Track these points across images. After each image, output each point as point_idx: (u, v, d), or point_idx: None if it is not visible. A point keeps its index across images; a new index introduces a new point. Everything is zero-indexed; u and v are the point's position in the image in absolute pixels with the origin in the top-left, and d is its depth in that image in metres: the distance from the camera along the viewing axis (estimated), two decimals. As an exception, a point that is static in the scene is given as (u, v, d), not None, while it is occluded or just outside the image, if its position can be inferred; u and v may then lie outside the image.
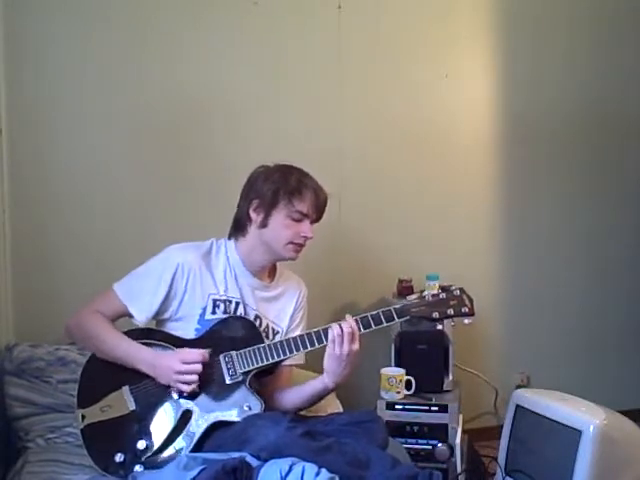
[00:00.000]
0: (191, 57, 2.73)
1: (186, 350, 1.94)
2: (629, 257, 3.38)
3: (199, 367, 1.90)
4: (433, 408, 2.59)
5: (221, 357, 1.96)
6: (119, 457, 1.87)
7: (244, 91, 2.79)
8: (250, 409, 1.90)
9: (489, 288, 3.15)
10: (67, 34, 2.59)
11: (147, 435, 1.90)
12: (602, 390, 2.91)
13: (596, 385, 3.06)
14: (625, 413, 2.34)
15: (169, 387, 1.93)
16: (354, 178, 2.94)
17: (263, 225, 2.04)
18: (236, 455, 1.71)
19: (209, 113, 2.75)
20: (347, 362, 1.92)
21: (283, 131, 2.83)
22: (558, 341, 3.27)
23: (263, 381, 2.02)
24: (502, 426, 2.52)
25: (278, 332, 2.12)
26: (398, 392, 2.60)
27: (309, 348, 1.96)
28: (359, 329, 1.94)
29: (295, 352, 1.96)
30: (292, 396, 2.06)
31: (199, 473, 1.64)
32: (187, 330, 2.01)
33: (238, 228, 2.11)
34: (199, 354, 1.92)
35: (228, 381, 1.94)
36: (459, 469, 2.55)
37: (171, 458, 1.83)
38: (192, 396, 1.92)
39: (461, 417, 2.71)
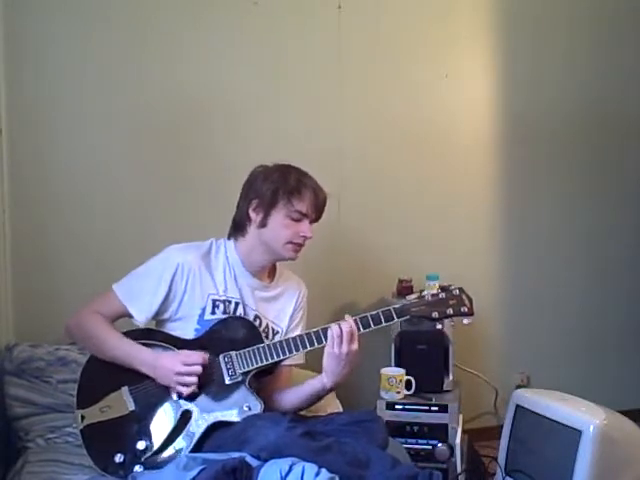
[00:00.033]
0: (191, 57, 2.73)
1: (186, 352, 1.94)
2: (629, 257, 3.38)
3: (199, 369, 1.90)
4: (433, 408, 2.59)
5: (220, 357, 1.96)
6: (119, 457, 1.87)
7: (244, 91, 2.80)
8: (250, 409, 1.90)
9: (489, 288, 3.15)
10: (67, 34, 2.59)
11: (147, 435, 1.90)
12: (602, 390, 2.91)
13: (596, 385, 3.06)
14: (625, 413, 2.34)
15: (169, 388, 1.93)
16: (354, 178, 2.94)
17: (262, 225, 2.04)
18: (236, 455, 1.71)
19: (209, 113, 2.75)
20: (346, 362, 1.92)
21: (283, 131, 2.83)
22: (558, 341, 3.27)
23: (263, 381, 2.02)
24: (502, 426, 2.52)
25: (278, 332, 2.12)
26: (398, 392, 2.60)
27: (308, 348, 1.96)
28: (358, 329, 1.94)
29: (294, 352, 1.96)
30: (291, 396, 2.06)
31: (199, 473, 1.64)
32: (186, 330, 2.01)
33: (237, 228, 2.11)
34: (199, 356, 1.92)
35: (228, 381, 1.94)
36: (459, 469, 2.55)
37: (171, 458, 1.84)
38: (192, 396, 1.92)
39: (461, 417, 2.71)
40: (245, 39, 2.79)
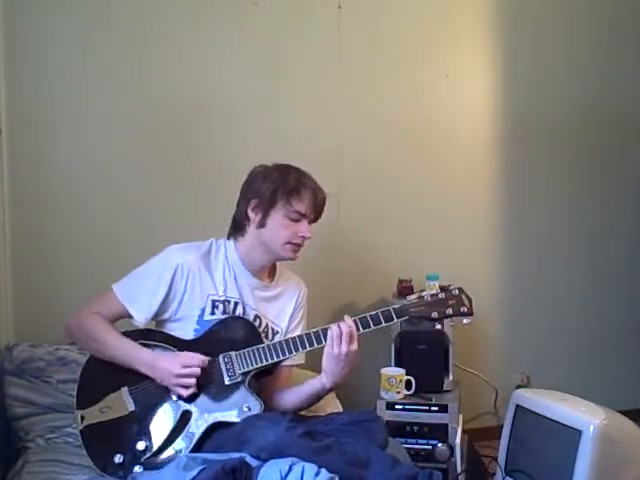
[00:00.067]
0: (191, 57, 2.73)
1: (185, 354, 1.94)
2: (629, 257, 3.38)
3: (197, 371, 1.90)
4: (433, 408, 2.59)
5: (220, 358, 1.96)
6: (118, 458, 1.87)
7: (244, 91, 2.80)
8: (249, 410, 1.90)
9: (489, 288, 3.15)
10: (67, 34, 2.59)
11: (146, 436, 1.90)
12: (602, 390, 2.91)
13: (596, 385, 3.06)
14: (625, 413, 2.34)
15: (169, 388, 1.93)
16: (354, 178, 2.94)
17: (261, 225, 2.04)
18: (236, 455, 1.71)
19: (209, 113, 2.75)
20: (346, 362, 1.92)
21: (283, 131, 2.83)
22: (558, 341, 3.27)
23: (262, 382, 2.02)
24: (502, 426, 2.52)
25: (278, 332, 2.12)
26: (398, 392, 2.60)
27: (308, 348, 1.96)
28: (358, 329, 1.94)
29: (294, 352, 1.96)
30: (291, 396, 2.06)
31: (199, 473, 1.64)
32: (186, 331, 2.01)
33: (237, 227, 2.11)
34: (198, 359, 1.92)
35: (227, 382, 1.94)
36: (459, 469, 2.55)
37: (170, 459, 1.83)
38: (191, 397, 1.92)
39: (461, 417, 2.71)
40: (245, 39, 2.79)
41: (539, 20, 3.17)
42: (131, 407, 1.93)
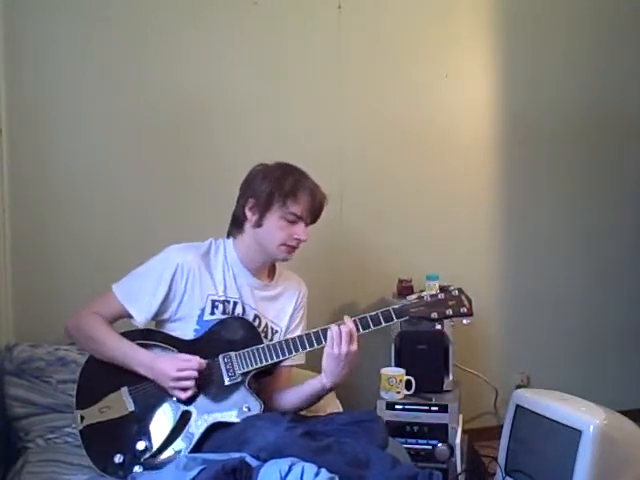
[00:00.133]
0: (191, 57, 2.73)
1: (184, 356, 1.94)
2: (629, 257, 3.38)
3: (195, 374, 1.90)
4: (433, 408, 2.59)
5: (220, 358, 1.95)
6: (118, 458, 1.87)
7: (244, 91, 2.80)
8: (249, 410, 1.90)
9: (489, 288, 3.15)
10: (67, 34, 2.59)
11: (146, 436, 1.90)
12: (602, 390, 2.91)
13: (596, 385, 3.06)
14: (625, 413, 2.34)
15: (168, 388, 1.94)
16: (354, 178, 2.94)
17: (258, 225, 2.04)
18: (236, 455, 1.71)
19: (209, 113, 2.75)
20: (345, 362, 1.92)
21: (283, 131, 2.83)
22: (558, 341, 3.27)
23: (262, 382, 2.02)
24: (502, 426, 2.52)
25: (277, 332, 2.12)
26: (398, 392, 2.60)
27: (308, 349, 1.96)
28: (358, 330, 1.94)
29: (294, 353, 1.96)
30: (291, 396, 2.06)
31: (199, 473, 1.64)
32: (186, 331, 2.01)
33: (235, 225, 2.11)
34: (196, 362, 1.91)
35: (227, 382, 1.94)
36: (459, 469, 2.55)
37: (170, 460, 1.83)
38: (191, 398, 1.91)
39: (461, 417, 2.71)
40: (245, 39, 2.79)
41: (539, 20, 3.17)
42: (131, 407, 1.93)
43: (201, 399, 1.92)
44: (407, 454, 2.11)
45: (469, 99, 3.10)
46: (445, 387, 2.70)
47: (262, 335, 2.04)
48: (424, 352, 2.69)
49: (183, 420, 1.90)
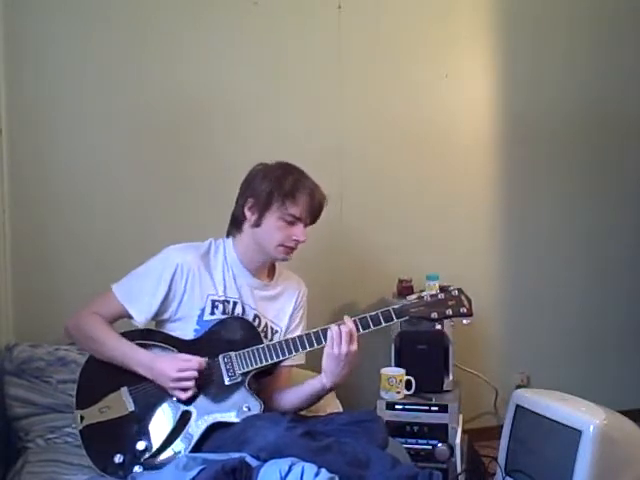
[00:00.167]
0: (191, 57, 2.73)
1: (183, 356, 1.94)
2: (629, 257, 3.38)
3: (195, 374, 1.90)
4: (433, 408, 2.59)
5: (220, 358, 1.95)
6: (118, 458, 1.87)
7: (244, 91, 2.80)
8: (249, 410, 1.90)
9: (489, 288, 3.15)
10: (67, 34, 2.59)
11: (146, 436, 1.90)
12: (602, 390, 2.91)
13: (596, 385, 3.06)
14: (625, 413, 2.34)
15: (168, 389, 1.94)
16: (354, 178, 2.94)
17: (256, 225, 2.04)
18: (236, 455, 1.71)
19: (209, 113, 2.75)
20: (345, 362, 1.92)
21: (283, 131, 2.83)
22: (558, 341, 3.27)
23: (262, 382, 2.02)
24: (502, 426, 2.52)
25: (277, 331, 2.12)
26: (398, 392, 2.60)
27: (308, 349, 1.96)
28: (358, 330, 1.94)
29: (294, 353, 1.96)
30: (291, 396, 2.06)
31: (199, 473, 1.64)
32: (186, 331, 2.01)
33: (235, 225, 2.11)
34: (195, 362, 1.91)
35: (227, 382, 1.94)
36: (459, 469, 2.55)
37: (169, 460, 1.83)
38: (191, 398, 1.91)
39: (461, 417, 2.71)
40: (245, 39, 2.79)
41: (539, 20, 3.17)
42: (131, 407, 1.93)
43: (201, 399, 1.92)
44: (407, 454, 2.11)
45: (469, 99, 3.10)
46: (445, 387, 2.70)
47: (262, 335, 2.03)
48: (424, 352, 2.69)
49: (183, 420, 1.90)
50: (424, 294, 2.01)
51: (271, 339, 2.08)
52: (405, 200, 3.04)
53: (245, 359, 1.95)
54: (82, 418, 1.93)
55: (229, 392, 1.93)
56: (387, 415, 2.55)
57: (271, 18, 2.81)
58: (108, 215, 2.66)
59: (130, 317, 2.02)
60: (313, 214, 2.06)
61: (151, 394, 1.93)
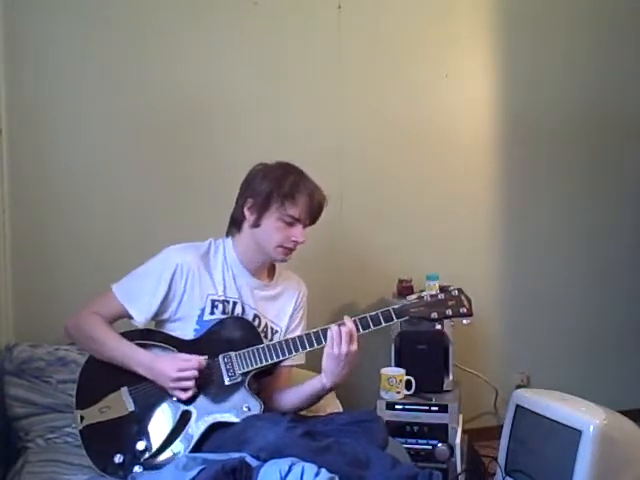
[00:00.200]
0: (191, 57, 2.73)
1: (183, 356, 1.94)
2: (629, 257, 3.38)
3: (195, 374, 1.90)
4: (433, 408, 2.59)
5: (220, 358, 1.95)
6: (118, 458, 1.87)
7: (244, 91, 2.80)
8: (249, 410, 1.90)
9: (489, 288, 3.15)
10: (67, 34, 2.59)
11: (146, 436, 1.89)
12: (602, 390, 2.91)
13: (596, 385, 3.06)
14: (625, 413, 2.34)
15: (168, 389, 1.94)
16: (354, 178, 2.94)
17: (255, 225, 2.04)
18: (236, 455, 1.71)
19: (209, 113, 2.75)
20: (345, 362, 1.92)
21: (283, 131, 2.83)
22: (558, 341, 3.27)
23: (262, 382, 2.03)
24: (502, 426, 2.52)
25: (277, 331, 2.12)
26: (398, 392, 2.60)
27: (308, 349, 1.96)
28: (358, 330, 1.94)
29: (294, 353, 1.96)
30: (291, 396, 2.06)
31: (198, 473, 1.64)
32: (186, 331, 2.01)
33: (234, 225, 2.11)
34: (195, 361, 1.91)
35: (227, 382, 1.94)
36: (459, 469, 2.55)
37: (169, 461, 1.83)
38: (191, 398, 1.91)
39: (461, 417, 2.71)
40: (245, 39, 2.79)
41: (539, 20, 3.17)
42: (131, 407, 1.93)
43: (201, 399, 1.92)
44: (407, 454, 2.11)
45: (469, 99, 3.10)
46: (445, 387, 2.70)
47: (262, 335, 2.03)
48: (424, 352, 2.69)
49: (183, 420, 1.90)
50: (424, 294, 2.01)
51: (271, 339, 2.08)
52: (405, 200, 3.04)
53: (245, 359, 1.95)
54: (82, 418, 1.93)
55: (229, 392, 1.93)
56: (387, 415, 2.55)
57: (271, 18, 2.81)
58: (108, 215, 2.66)
59: (130, 317, 2.02)
60: (312, 215, 2.05)
61: (151, 394, 1.93)
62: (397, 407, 2.60)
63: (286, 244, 2.03)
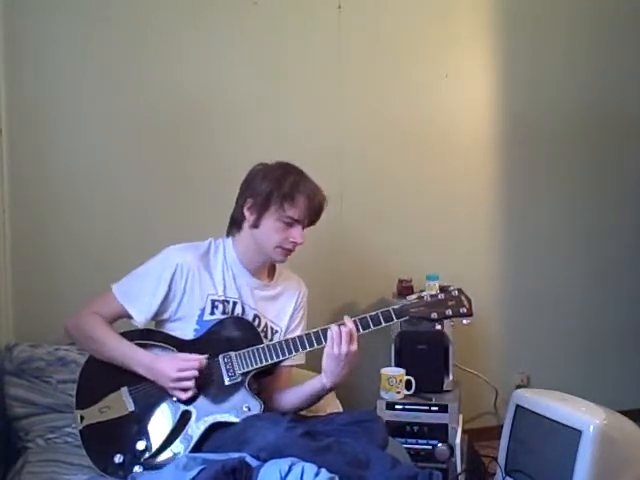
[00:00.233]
0: (191, 57, 2.73)
1: (184, 356, 1.94)
2: (629, 257, 3.38)
3: (195, 374, 1.90)
4: (433, 408, 2.59)
5: (220, 358, 1.95)
6: (118, 458, 1.87)
7: (244, 91, 2.80)
8: (249, 410, 1.90)
9: (489, 288, 3.15)
10: (67, 34, 2.59)
11: (146, 436, 1.89)
12: (602, 390, 2.91)
13: (596, 385, 3.06)
14: (625, 413, 2.34)
15: (168, 388, 1.94)
16: (354, 178, 2.94)
17: (255, 225, 2.03)
18: (236, 455, 1.71)
19: (209, 113, 2.75)
20: (345, 362, 1.92)
21: (283, 131, 2.83)
22: (558, 341, 3.27)
23: (262, 382, 2.02)
24: (502, 426, 2.52)
25: (277, 331, 2.12)
26: (398, 392, 2.60)
27: (308, 349, 1.96)
28: (358, 330, 1.94)
29: (294, 353, 1.96)
30: (291, 396, 2.06)
31: (199, 473, 1.64)
32: (186, 331, 2.01)
33: (234, 224, 2.11)
34: (196, 361, 1.91)
35: (227, 382, 1.94)
36: (459, 469, 2.55)
37: (169, 461, 1.83)
38: (191, 398, 1.91)
39: (461, 417, 2.71)
40: (245, 39, 2.79)
41: (539, 20, 3.17)
42: (131, 407, 1.93)
43: (201, 399, 1.92)
44: (407, 454, 2.11)
45: (469, 99, 3.11)
46: (445, 387, 2.70)
47: (262, 335, 2.03)
48: (424, 352, 2.69)
49: (183, 420, 1.90)
50: (424, 294, 2.01)
51: (271, 339, 2.08)
52: (405, 200, 3.04)
53: (245, 359, 1.95)
54: (82, 418, 1.93)
55: (229, 392, 1.93)
56: (387, 415, 2.55)
57: (271, 18, 2.81)
58: (108, 215, 2.66)
59: (130, 317, 2.02)
60: (312, 216, 2.05)
61: (151, 394, 1.93)
62: (397, 407, 2.60)
63: (285, 245, 2.03)
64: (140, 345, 1.97)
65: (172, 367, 1.90)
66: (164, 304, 2.01)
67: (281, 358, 1.96)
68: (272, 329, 2.11)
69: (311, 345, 1.96)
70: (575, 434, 2.18)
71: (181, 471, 1.68)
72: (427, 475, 1.70)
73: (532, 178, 3.23)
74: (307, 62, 2.88)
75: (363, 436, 1.84)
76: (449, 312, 1.98)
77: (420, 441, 2.58)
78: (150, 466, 1.84)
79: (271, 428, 1.73)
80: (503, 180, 3.18)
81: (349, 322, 1.93)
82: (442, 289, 2.07)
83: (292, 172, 2.05)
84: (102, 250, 2.63)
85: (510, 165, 3.18)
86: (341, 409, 2.34)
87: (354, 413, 2.01)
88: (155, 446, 1.88)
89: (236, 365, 1.95)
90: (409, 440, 2.56)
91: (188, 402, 1.91)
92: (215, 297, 2.04)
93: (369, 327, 1.95)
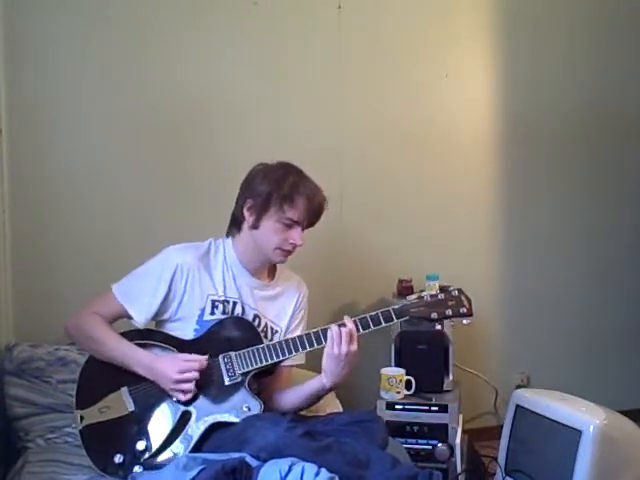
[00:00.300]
0: (191, 57, 2.74)
1: (184, 356, 1.94)
2: (629, 257, 3.38)
3: (196, 375, 1.90)
4: (433, 408, 2.59)
5: (220, 358, 1.95)
6: (118, 458, 1.87)
7: (244, 91, 2.80)
8: (249, 410, 1.90)
9: (489, 288, 3.15)
10: (67, 34, 2.59)
11: (146, 436, 1.89)
12: (602, 390, 2.91)
13: (596, 385, 3.06)
14: (625, 413, 2.34)
15: (168, 388, 1.94)
16: (354, 178, 2.94)
17: (254, 227, 2.03)
18: (236, 455, 1.71)
19: (209, 113, 2.75)
20: (345, 362, 1.92)
21: (283, 131, 2.83)
22: (558, 341, 3.27)
23: (262, 382, 2.03)
24: (502, 426, 2.52)
25: (277, 331, 2.12)
26: (398, 392, 2.60)
27: (308, 349, 1.96)
28: (358, 330, 1.94)
29: (294, 353, 1.96)
30: (291, 396, 2.06)
31: (199, 473, 1.64)
32: (186, 331, 2.01)
33: (234, 225, 2.11)
34: (196, 362, 1.91)
35: (227, 382, 1.94)
36: (459, 469, 2.55)
37: (169, 461, 1.83)
38: (191, 398, 1.91)
39: (461, 417, 2.71)
40: (245, 39, 2.79)
41: (539, 20, 3.17)
42: (131, 407, 1.93)
43: (201, 399, 1.92)
44: (407, 454, 2.11)
45: (469, 99, 3.10)
46: (445, 387, 2.70)
47: (262, 335, 2.03)
48: (424, 352, 2.69)
49: (183, 420, 1.90)
50: (424, 294, 2.01)
51: (271, 339, 2.08)
52: (405, 200, 3.04)
53: (245, 359, 1.95)
54: (82, 418, 1.93)
55: (229, 392, 1.93)
56: (387, 415, 2.55)
57: (271, 18, 2.81)
58: (108, 215, 2.66)
59: (130, 317, 2.02)
60: (311, 217, 2.05)
61: (151, 394, 1.93)
62: (397, 407, 2.60)
63: (284, 246, 2.03)
64: (140, 345, 1.97)
65: (173, 368, 1.90)
66: (164, 304, 2.01)
67: (281, 358, 1.96)
68: (272, 329, 2.11)
69: (311, 345, 1.96)
70: (575, 434, 2.18)
71: (181, 471, 1.68)
72: (427, 475, 1.70)
73: (532, 178, 3.23)
74: (307, 62, 2.88)
75: (363, 436, 1.84)
76: (449, 312, 1.98)
77: (420, 441, 2.58)
78: (150, 466, 1.84)
79: (271, 428, 1.73)
80: (503, 180, 3.18)
81: (349, 322, 1.93)
82: (442, 289, 2.07)
83: (292, 173, 2.04)
84: (102, 250, 2.63)
85: (510, 165, 3.18)
86: (341, 409, 2.34)
87: (354, 413, 2.01)
88: (155, 446, 1.88)
89: (236, 365, 1.95)
90: (409, 440, 2.56)
91: (188, 402, 1.91)
92: (215, 297, 2.04)
93: (369, 327, 1.95)
